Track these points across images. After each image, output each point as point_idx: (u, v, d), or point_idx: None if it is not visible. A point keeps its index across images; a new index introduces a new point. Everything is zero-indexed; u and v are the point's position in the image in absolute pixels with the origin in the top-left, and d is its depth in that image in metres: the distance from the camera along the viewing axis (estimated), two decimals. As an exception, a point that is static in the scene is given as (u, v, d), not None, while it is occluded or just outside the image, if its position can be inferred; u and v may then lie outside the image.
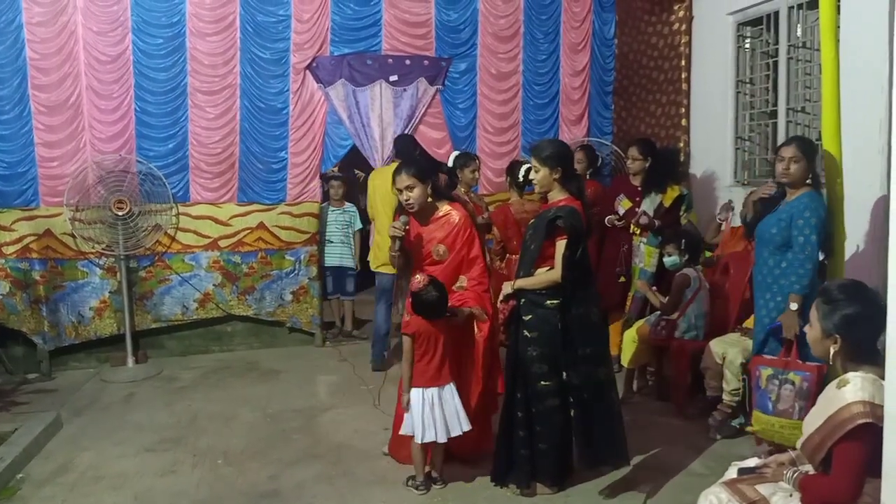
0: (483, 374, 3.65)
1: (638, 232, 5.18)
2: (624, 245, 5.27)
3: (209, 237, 5.93)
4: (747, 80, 5.54)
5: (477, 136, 6.44)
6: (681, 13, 5.98)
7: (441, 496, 3.44)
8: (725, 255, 4.83)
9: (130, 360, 5.66)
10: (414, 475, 3.51)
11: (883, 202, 3.82)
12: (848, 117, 3.49)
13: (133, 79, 5.63)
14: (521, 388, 3.36)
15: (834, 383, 2.17)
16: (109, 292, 5.75)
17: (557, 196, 3.39)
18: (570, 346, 3.28)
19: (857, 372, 2.12)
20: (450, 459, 3.59)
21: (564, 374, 3.30)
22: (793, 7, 4.94)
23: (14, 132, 5.42)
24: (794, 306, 3.36)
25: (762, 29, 5.34)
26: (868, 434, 1.97)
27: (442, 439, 3.36)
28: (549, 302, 3.27)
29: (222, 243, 5.96)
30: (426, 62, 6.23)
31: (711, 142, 5.75)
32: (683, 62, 5.97)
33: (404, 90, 6.16)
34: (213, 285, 5.99)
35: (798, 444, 2.27)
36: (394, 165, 4.29)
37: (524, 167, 4.73)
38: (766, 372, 3.26)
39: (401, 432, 3.48)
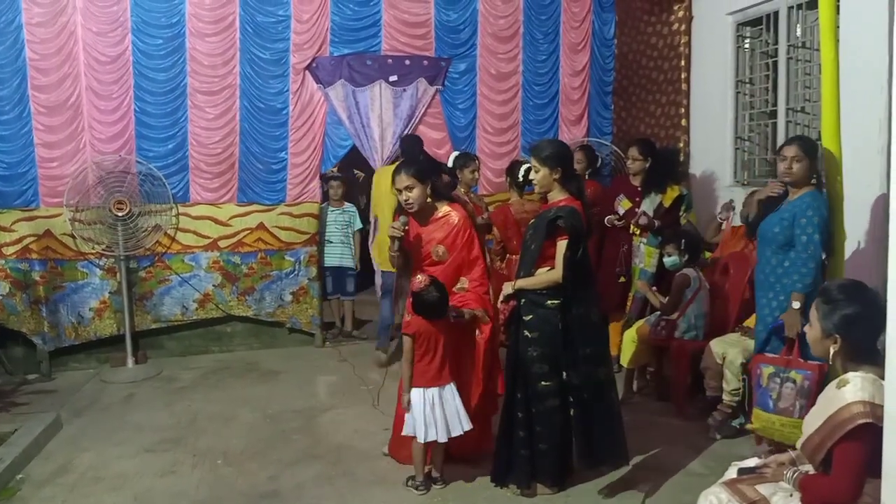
0: (484, 376, 3.65)
1: (638, 232, 5.18)
2: (624, 245, 5.27)
3: (209, 237, 5.93)
4: (747, 81, 5.54)
5: (477, 136, 6.44)
6: (680, 13, 5.98)
7: (441, 496, 3.44)
8: (725, 256, 4.84)
9: (130, 361, 5.66)
10: (414, 475, 3.51)
11: (882, 202, 3.82)
12: (847, 117, 3.49)
13: (133, 79, 5.63)
14: (522, 388, 3.36)
15: (834, 383, 2.17)
16: (109, 293, 5.75)
17: (557, 196, 3.39)
18: (570, 346, 3.28)
19: (857, 372, 2.12)
20: (450, 459, 3.59)
21: (564, 374, 3.30)
22: (792, 7, 4.94)
23: (14, 133, 5.42)
24: (796, 305, 3.36)
25: (762, 29, 5.34)
26: (868, 434, 1.97)
27: (443, 439, 3.36)
28: (549, 302, 3.27)
29: (222, 244, 5.96)
30: (426, 62, 6.23)
31: (711, 142, 5.75)
32: (683, 62, 5.97)
33: (404, 90, 6.17)
34: (213, 286, 5.99)
35: (798, 445, 2.27)
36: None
37: (524, 167, 4.74)
38: (767, 370, 3.26)
39: (402, 433, 3.48)
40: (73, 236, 5.60)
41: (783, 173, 3.54)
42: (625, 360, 4.73)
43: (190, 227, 5.88)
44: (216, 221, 5.93)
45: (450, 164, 5.46)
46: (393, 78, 6.13)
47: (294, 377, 5.44)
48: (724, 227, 5.18)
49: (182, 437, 4.28)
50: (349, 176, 7.36)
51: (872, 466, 1.91)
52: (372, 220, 6.20)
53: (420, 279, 3.37)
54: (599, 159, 6.05)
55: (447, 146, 6.29)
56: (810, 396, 3.09)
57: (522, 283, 3.34)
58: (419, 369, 3.39)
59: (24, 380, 5.52)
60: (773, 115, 5.21)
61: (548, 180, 3.36)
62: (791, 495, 2.20)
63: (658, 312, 4.67)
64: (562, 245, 3.25)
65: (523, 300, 3.33)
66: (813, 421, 2.17)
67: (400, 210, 3.67)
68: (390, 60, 6.13)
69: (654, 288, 4.86)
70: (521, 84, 6.50)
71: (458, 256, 3.61)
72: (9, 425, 4.29)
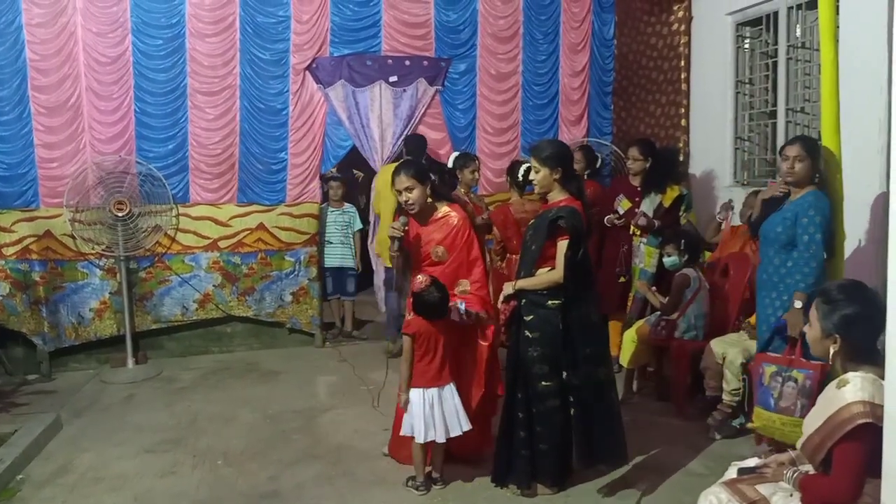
0: (485, 378, 3.65)
1: (638, 233, 5.18)
2: (624, 245, 5.27)
3: (209, 238, 5.93)
4: (746, 81, 5.55)
5: (476, 136, 6.44)
6: (680, 13, 5.99)
7: (441, 496, 3.44)
8: (725, 256, 4.84)
9: (130, 361, 5.66)
10: (414, 475, 3.51)
11: (882, 202, 3.82)
12: (847, 117, 3.49)
13: (133, 80, 5.63)
14: (522, 388, 3.36)
15: (834, 383, 2.17)
16: (109, 293, 5.76)
17: (557, 196, 3.39)
18: (570, 346, 3.28)
19: (857, 372, 2.12)
20: (450, 460, 3.59)
21: (565, 374, 3.30)
22: (792, 7, 4.95)
23: (14, 133, 5.42)
24: (798, 304, 3.37)
25: (761, 29, 5.35)
26: (868, 434, 1.97)
27: (441, 439, 3.36)
28: (550, 302, 3.27)
29: (222, 244, 5.97)
30: (426, 63, 6.23)
31: (711, 142, 5.76)
32: (683, 62, 5.98)
33: (404, 91, 6.17)
34: (213, 286, 5.99)
35: (798, 445, 2.27)
36: None
37: (524, 167, 4.74)
38: (769, 369, 3.26)
39: (400, 433, 3.48)
40: (73, 237, 5.60)
41: (785, 173, 3.54)
42: (625, 360, 4.73)
43: (190, 228, 5.88)
44: (216, 222, 5.93)
45: (450, 164, 5.47)
46: (393, 78, 6.13)
47: (294, 377, 5.44)
48: (723, 226, 5.18)
49: (182, 437, 4.28)
50: (348, 176, 7.36)
51: (872, 466, 1.91)
52: (372, 219, 6.22)
53: (421, 279, 3.37)
54: (599, 159, 6.05)
55: (447, 146, 6.30)
56: (812, 396, 3.08)
57: (523, 283, 3.33)
58: (419, 369, 3.39)
59: (25, 380, 5.52)
60: (773, 115, 5.21)
61: (548, 180, 3.36)
62: (791, 495, 2.20)
63: (658, 312, 4.67)
64: (563, 245, 3.25)
65: (524, 300, 3.34)
66: (813, 421, 2.17)
67: (400, 210, 3.68)
68: (390, 61, 6.13)
69: (654, 288, 4.86)
70: (521, 84, 6.50)
71: (457, 257, 3.61)
72: (9, 426, 4.29)
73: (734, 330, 4.40)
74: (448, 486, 3.51)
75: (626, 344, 4.72)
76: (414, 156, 5.54)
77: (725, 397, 4.08)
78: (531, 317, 3.31)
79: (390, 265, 5.58)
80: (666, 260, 4.74)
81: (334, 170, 6.68)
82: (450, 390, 3.41)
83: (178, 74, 5.72)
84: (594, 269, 4.03)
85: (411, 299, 3.42)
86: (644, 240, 5.14)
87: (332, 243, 6.43)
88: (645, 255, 5.13)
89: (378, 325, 6.49)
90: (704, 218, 5.48)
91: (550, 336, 3.27)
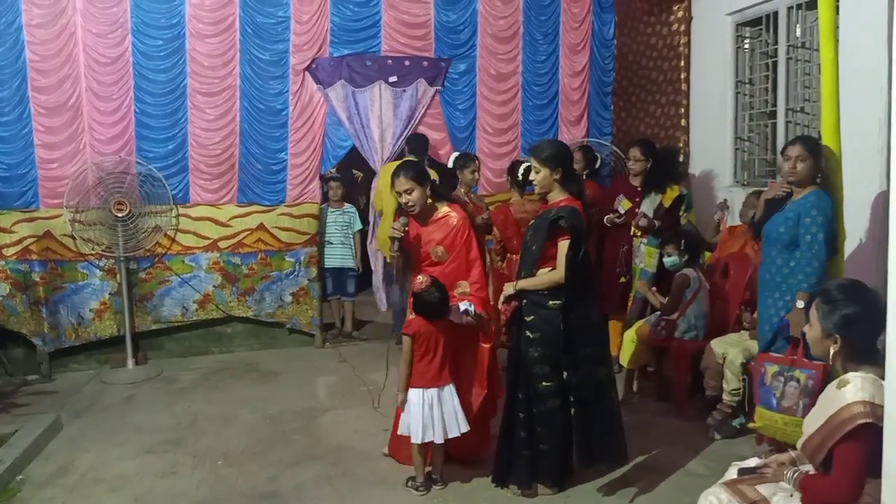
0: (487, 381, 3.64)
1: (638, 233, 5.18)
2: (624, 245, 5.27)
3: (209, 238, 5.93)
4: (746, 81, 5.55)
5: (476, 136, 6.44)
6: (680, 14, 5.99)
7: (441, 497, 3.44)
8: (724, 256, 4.84)
9: (130, 362, 5.65)
10: (414, 476, 3.51)
11: (882, 201, 3.82)
12: (847, 117, 3.49)
13: (133, 80, 5.63)
14: (523, 388, 3.36)
15: (834, 383, 2.17)
16: (109, 294, 5.75)
17: (558, 196, 3.39)
18: (571, 346, 3.28)
19: (857, 372, 2.12)
20: (450, 460, 3.59)
21: (565, 374, 3.30)
22: (792, 7, 4.95)
23: (14, 134, 5.42)
24: (800, 304, 3.37)
25: (761, 29, 5.35)
26: (868, 434, 1.97)
27: (439, 440, 3.36)
28: (551, 302, 3.27)
29: (222, 244, 5.96)
30: (425, 63, 6.23)
31: (711, 142, 5.76)
32: (683, 63, 5.98)
33: (404, 91, 6.17)
34: (213, 286, 5.99)
35: (798, 445, 2.27)
36: None
37: (524, 166, 4.74)
38: (771, 369, 3.26)
39: (398, 433, 3.49)
40: (73, 237, 5.60)
41: (788, 173, 3.55)
42: (625, 360, 4.73)
43: (190, 228, 5.88)
44: (216, 222, 5.93)
45: (450, 164, 5.47)
46: (393, 79, 6.13)
47: (294, 378, 5.43)
48: (720, 226, 5.18)
49: (182, 437, 4.28)
50: (348, 176, 7.36)
51: (872, 466, 1.91)
52: (372, 217, 6.22)
53: (421, 280, 3.37)
54: (598, 160, 6.05)
55: (447, 147, 6.30)
56: (814, 396, 3.09)
57: (524, 283, 3.33)
58: (419, 369, 3.39)
59: (25, 381, 5.51)
60: (773, 115, 5.21)
61: (548, 181, 3.36)
62: (791, 495, 2.20)
63: (658, 313, 4.67)
64: (563, 245, 3.25)
65: (525, 301, 3.33)
66: (813, 421, 2.17)
67: (400, 210, 3.68)
68: (390, 61, 6.13)
69: (654, 288, 4.86)
70: (521, 84, 6.50)
71: (456, 257, 3.61)
72: (9, 426, 4.29)
73: (734, 330, 4.40)
74: (448, 487, 3.51)
75: (626, 344, 4.72)
76: (416, 155, 5.54)
77: (725, 397, 4.08)
78: (532, 317, 3.31)
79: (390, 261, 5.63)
80: (666, 260, 4.74)
81: (334, 170, 6.68)
82: (449, 391, 3.41)
83: (178, 75, 5.71)
84: (594, 269, 4.03)
85: (412, 299, 3.42)
86: (644, 240, 5.15)
87: (332, 244, 6.43)
88: (645, 256, 5.13)
89: (378, 326, 6.49)
90: (704, 218, 5.48)
91: (551, 336, 3.27)
